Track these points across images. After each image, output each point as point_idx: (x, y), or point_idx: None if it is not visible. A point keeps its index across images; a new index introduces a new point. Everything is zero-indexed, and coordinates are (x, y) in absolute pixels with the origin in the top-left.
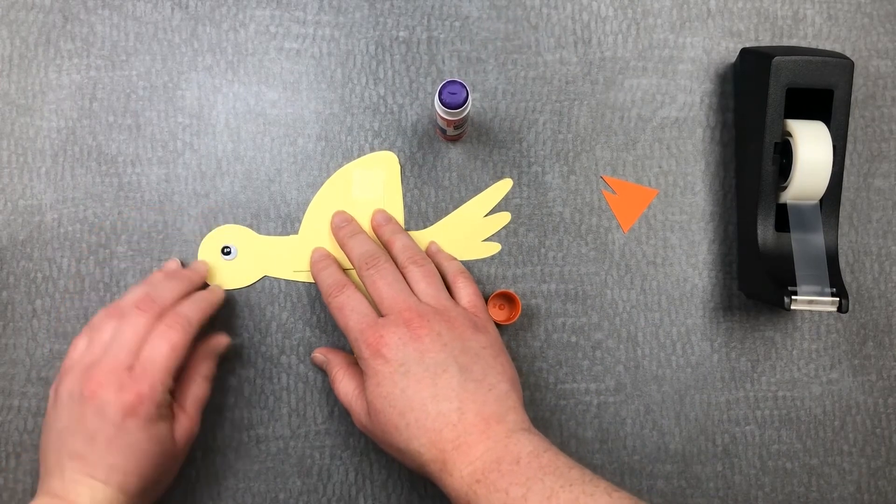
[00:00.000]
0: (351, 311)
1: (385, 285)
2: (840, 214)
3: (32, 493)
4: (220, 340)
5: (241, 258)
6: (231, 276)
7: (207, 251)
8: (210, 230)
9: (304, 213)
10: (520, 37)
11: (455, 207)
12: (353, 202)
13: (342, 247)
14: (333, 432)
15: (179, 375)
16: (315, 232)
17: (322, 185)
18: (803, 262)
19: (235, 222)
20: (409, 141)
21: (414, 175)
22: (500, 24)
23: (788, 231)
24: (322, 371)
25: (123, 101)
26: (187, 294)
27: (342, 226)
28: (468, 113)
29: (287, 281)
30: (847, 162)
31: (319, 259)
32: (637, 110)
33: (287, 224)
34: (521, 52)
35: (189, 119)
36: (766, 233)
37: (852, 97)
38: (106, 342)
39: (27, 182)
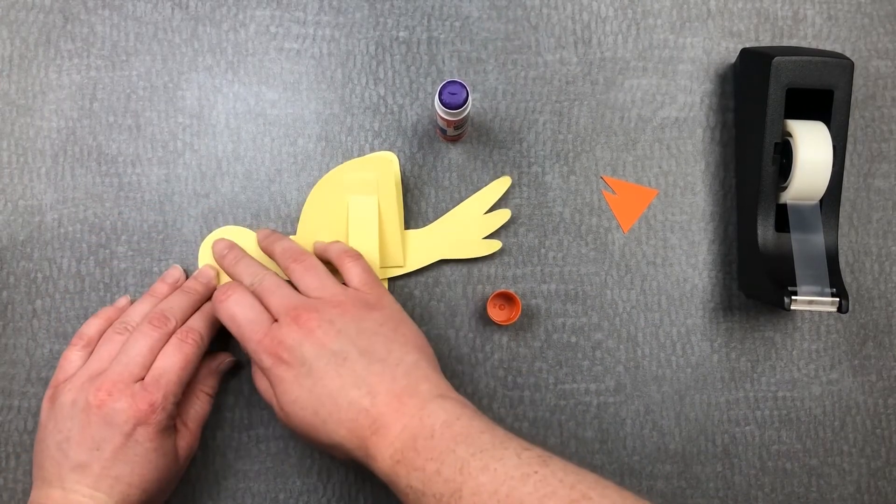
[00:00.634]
0: (243, 318)
1: (272, 296)
2: (840, 214)
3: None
4: (224, 359)
5: None
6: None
7: (207, 252)
8: (210, 230)
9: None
10: (520, 37)
11: (455, 207)
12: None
13: (231, 276)
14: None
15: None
16: (313, 232)
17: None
18: (803, 262)
19: (235, 222)
20: (409, 141)
21: (414, 175)
22: (500, 24)
23: (788, 231)
24: None
25: (124, 101)
26: (196, 307)
27: (225, 254)
28: (468, 113)
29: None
30: (847, 162)
31: (219, 244)
32: (637, 110)
33: (287, 224)
34: (521, 52)
35: (189, 119)
36: (766, 233)
37: (852, 97)
38: (112, 354)
39: (27, 182)
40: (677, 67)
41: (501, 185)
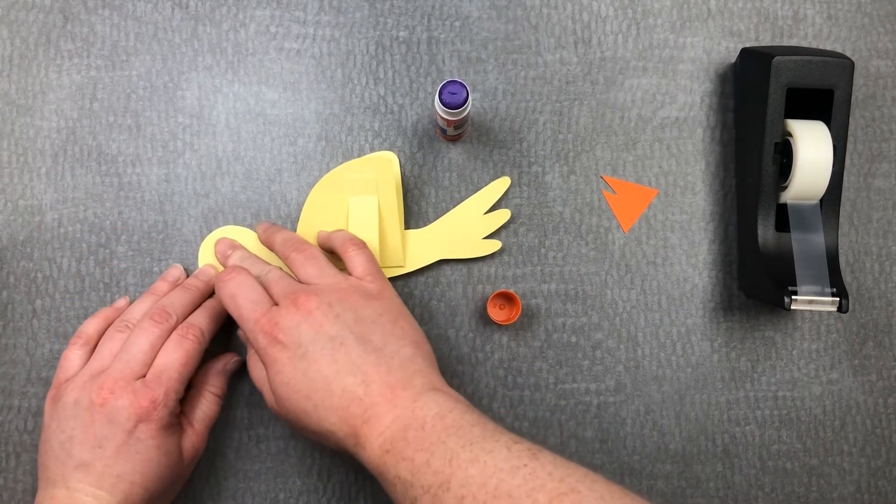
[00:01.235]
0: (244, 298)
1: (275, 285)
2: (840, 214)
3: (32, 493)
4: (231, 359)
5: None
6: None
7: (208, 252)
8: (210, 230)
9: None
10: (520, 37)
11: (455, 207)
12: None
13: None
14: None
15: (189, 392)
16: (313, 232)
17: (317, 182)
18: (803, 262)
19: (235, 222)
20: (409, 141)
21: (414, 175)
22: (500, 24)
23: (788, 231)
24: None
25: (123, 101)
26: (197, 304)
27: (229, 253)
28: (468, 113)
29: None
30: (847, 162)
31: (221, 244)
32: (637, 110)
33: (287, 224)
34: (521, 52)
35: (189, 119)
36: (766, 233)
37: (852, 97)
38: (114, 352)
39: (27, 182)
40: (677, 67)
41: (501, 185)
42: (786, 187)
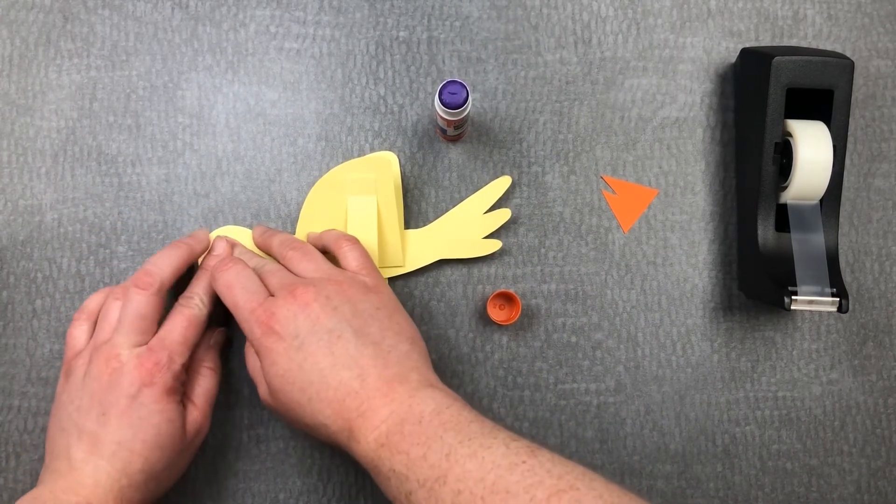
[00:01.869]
0: (241, 288)
1: (272, 277)
2: (840, 214)
3: None
4: (217, 332)
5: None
6: None
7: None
8: (210, 230)
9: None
10: (520, 37)
11: (455, 207)
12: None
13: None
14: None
15: (187, 370)
16: (312, 230)
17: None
18: (803, 262)
19: (235, 222)
20: (409, 141)
21: (414, 175)
22: (500, 24)
23: (788, 231)
24: None
25: (123, 101)
26: (186, 263)
27: (224, 249)
28: (468, 113)
29: None
30: (847, 162)
31: (220, 241)
32: (637, 110)
33: (287, 224)
34: (521, 52)
35: (189, 119)
36: (766, 233)
37: (852, 97)
38: (113, 322)
39: (27, 182)
40: (677, 67)
41: (501, 184)
42: (786, 187)
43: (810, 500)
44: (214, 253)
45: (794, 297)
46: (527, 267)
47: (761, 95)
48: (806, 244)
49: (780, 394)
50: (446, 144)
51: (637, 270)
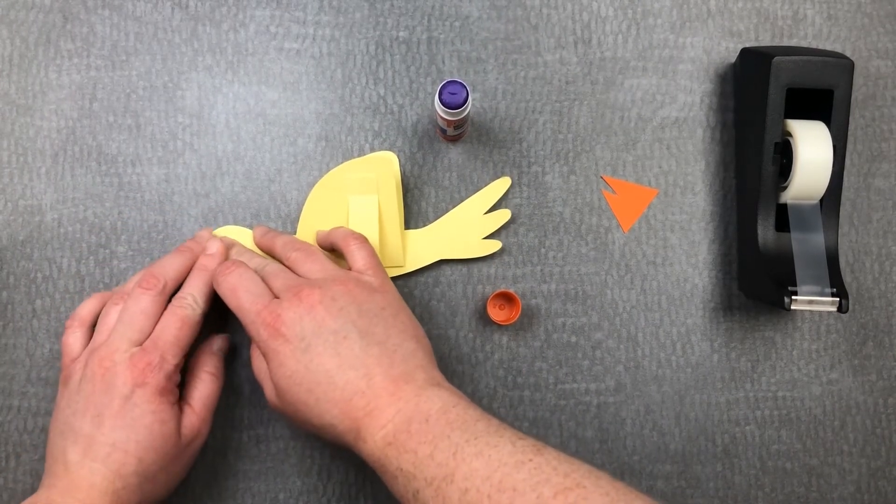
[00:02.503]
0: (245, 291)
1: (275, 278)
2: (840, 214)
3: (32, 493)
4: (220, 338)
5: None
6: None
7: None
8: (210, 230)
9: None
10: (520, 37)
11: (455, 207)
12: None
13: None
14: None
15: (185, 376)
16: (313, 231)
17: (317, 182)
18: (803, 262)
19: (235, 222)
20: (409, 141)
21: (414, 175)
22: (500, 24)
23: (788, 231)
24: None
25: (123, 101)
26: (191, 265)
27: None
28: (468, 113)
29: None
30: (847, 162)
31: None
32: (637, 110)
33: (287, 224)
34: (521, 52)
35: (189, 119)
36: (766, 233)
37: (852, 97)
38: (111, 326)
39: (27, 182)
40: (677, 67)
41: (501, 185)
42: (786, 187)
43: (810, 500)
44: (208, 252)
45: (794, 297)
46: (527, 267)
47: (761, 95)
48: (806, 244)
49: (780, 394)
50: (446, 144)
51: (637, 270)
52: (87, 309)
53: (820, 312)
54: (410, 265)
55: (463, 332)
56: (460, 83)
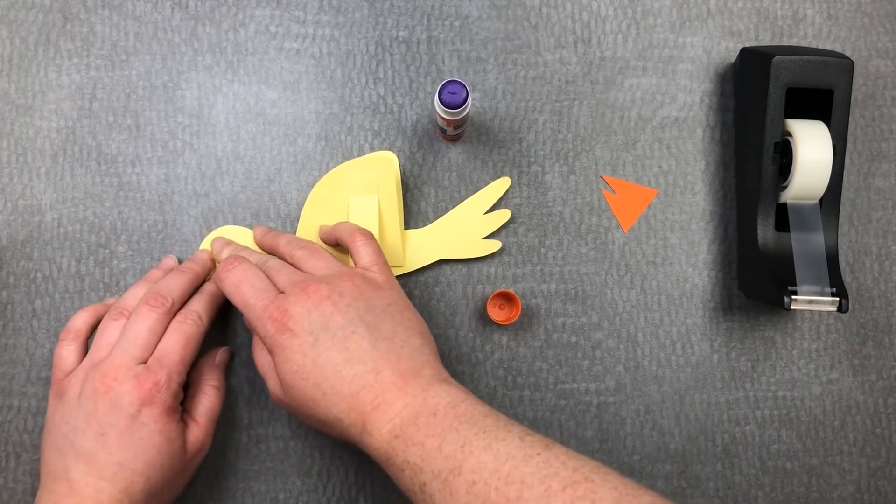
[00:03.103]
0: (249, 287)
1: (279, 273)
2: (840, 214)
3: (32, 493)
4: (222, 351)
5: None
6: None
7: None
8: (210, 230)
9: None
10: (520, 36)
11: (455, 207)
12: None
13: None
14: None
15: (188, 389)
16: (313, 231)
17: (317, 182)
18: (803, 262)
19: (235, 222)
20: (409, 141)
21: (414, 175)
22: (500, 23)
23: (788, 231)
24: None
25: (123, 101)
26: (193, 287)
27: (223, 249)
28: (468, 113)
29: None
30: (847, 162)
31: (218, 242)
32: (637, 110)
33: (287, 224)
34: (521, 51)
35: (189, 119)
36: (766, 233)
37: (852, 97)
38: (112, 341)
39: (27, 182)
40: (677, 67)
41: (501, 185)
42: (786, 187)
43: (810, 500)
44: (197, 261)
45: (794, 297)
46: (527, 267)
47: (761, 95)
48: (806, 244)
49: (780, 393)
50: (446, 144)
51: (637, 270)
52: (80, 321)
53: (820, 312)
54: (410, 265)
55: (463, 332)
56: (460, 83)
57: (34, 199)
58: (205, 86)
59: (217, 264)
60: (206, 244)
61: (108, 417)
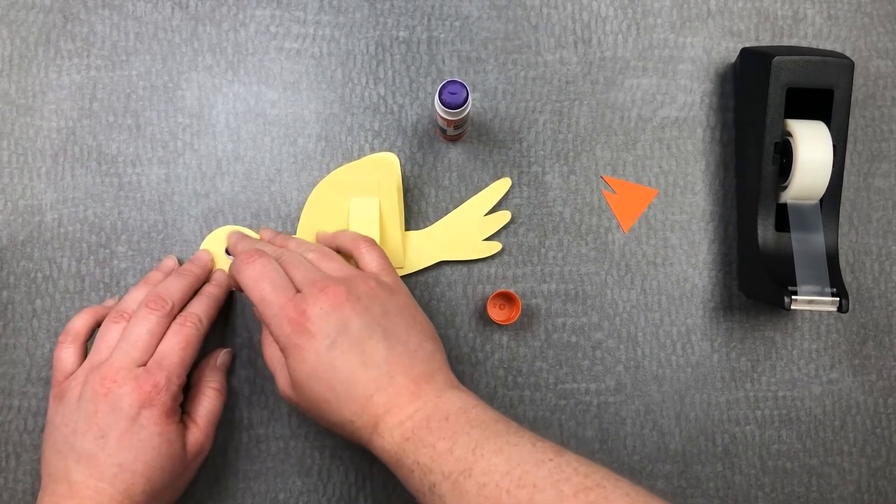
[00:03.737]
0: (268, 282)
1: (296, 268)
2: (840, 214)
3: (32, 493)
4: (224, 353)
5: None
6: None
7: (211, 250)
8: (210, 230)
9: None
10: (520, 37)
11: (455, 207)
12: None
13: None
14: (333, 432)
15: (189, 390)
16: (313, 232)
17: (318, 183)
18: (803, 262)
19: (235, 222)
20: (409, 141)
21: (414, 175)
22: (500, 23)
23: (788, 231)
24: None
25: (123, 101)
26: (193, 289)
27: (240, 241)
28: (468, 113)
29: None
30: (847, 162)
31: (234, 235)
32: (637, 110)
33: (287, 224)
34: (521, 52)
35: (189, 119)
36: (766, 233)
37: (852, 97)
38: (112, 344)
39: (27, 182)
40: (677, 67)
41: (501, 186)
42: (786, 187)
43: (810, 500)
44: (214, 283)
45: (794, 297)
46: (527, 267)
47: (761, 95)
48: (806, 244)
49: (780, 393)
50: (446, 144)
51: (637, 270)
52: (80, 323)
53: (820, 312)
54: (411, 266)
55: (463, 332)
56: (460, 83)
57: (34, 199)
58: (205, 86)
59: (216, 264)
60: (206, 244)
61: (108, 419)
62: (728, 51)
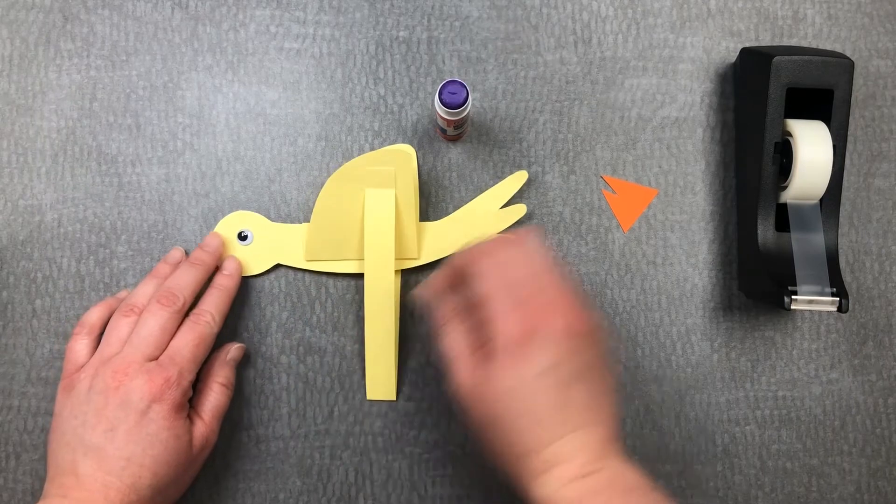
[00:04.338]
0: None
1: (532, 279)
2: (840, 214)
3: (32, 493)
4: (235, 348)
5: (257, 244)
6: (246, 262)
7: (224, 235)
8: (210, 230)
9: (311, 205)
10: (520, 37)
11: (455, 207)
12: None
13: None
14: (333, 432)
15: (196, 385)
16: (327, 222)
17: (330, 176)
18: (803, 262)
19: None
20: (409, 141)
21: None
22: (500, 23)
23: (788, 231)
24: (321, 371)
25: (123, 101)
26: (204, 280)
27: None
28: (468, 113)
29: (287, 281)
30: (847, 162)
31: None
32: (637, 110)
33: (288, 223)
34: (521, 51)
35: (189, 119)
36: (766, 233)
37: (852, 97)
38: (123, 338)
39: (27, 182)
40: (677, 67)
41: (517, 179)
42: (786, 187)
43: (810, 500)
44: (225, 272)
45: (794, 297)
46: None
47: (761, 95)
48: (806, 244)
49: (780, 393)
50: (446, 144)
51: (637, 270)
52: (95, 316)
53: (820, 312)
54: (425, 258)
55: None
56: (460, 83)
57: (34, 199)
58: (205, 86)
59: (227, 250)
60: (220, 228)
61: (118, 413)
62: (728, 51)
